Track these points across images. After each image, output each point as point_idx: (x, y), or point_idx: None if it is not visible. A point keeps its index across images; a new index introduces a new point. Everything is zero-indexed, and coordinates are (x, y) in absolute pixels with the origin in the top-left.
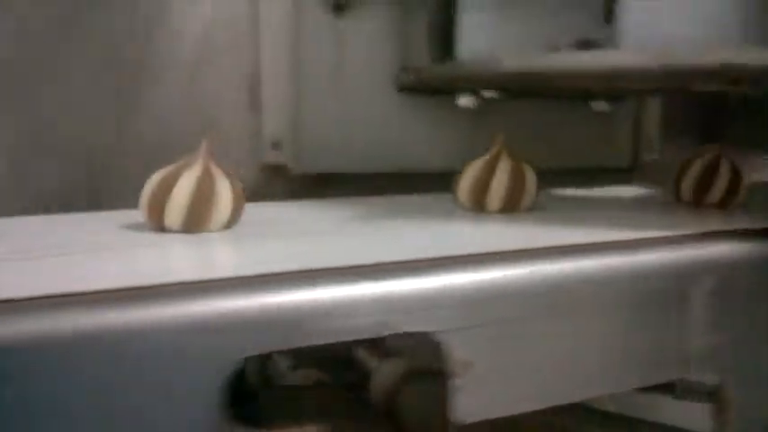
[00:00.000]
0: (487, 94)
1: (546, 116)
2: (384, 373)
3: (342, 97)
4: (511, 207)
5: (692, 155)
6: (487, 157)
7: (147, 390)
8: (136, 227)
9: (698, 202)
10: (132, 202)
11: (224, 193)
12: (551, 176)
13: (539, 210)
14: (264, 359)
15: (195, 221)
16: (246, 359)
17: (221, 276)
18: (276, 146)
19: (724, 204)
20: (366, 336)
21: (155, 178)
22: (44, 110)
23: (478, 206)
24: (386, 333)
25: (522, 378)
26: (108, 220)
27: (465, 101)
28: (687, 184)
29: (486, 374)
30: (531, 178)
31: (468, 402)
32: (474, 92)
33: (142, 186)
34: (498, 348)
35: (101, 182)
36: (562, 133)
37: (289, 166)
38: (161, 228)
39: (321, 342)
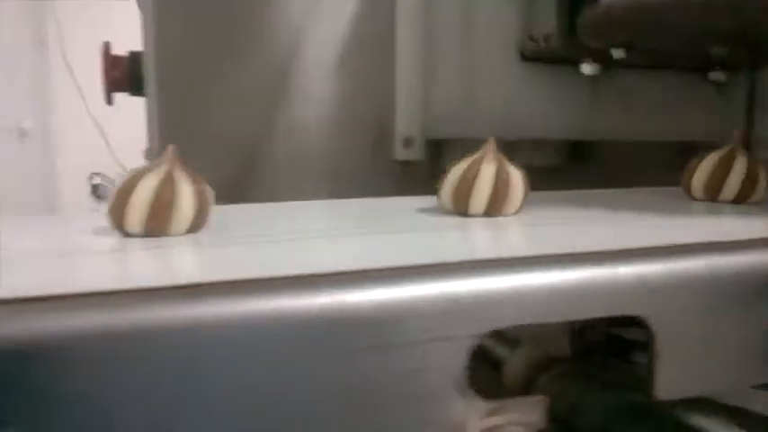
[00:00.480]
0: (616, 53)
1: (663, 88)
2: (517, 362)
3: (469, 75)
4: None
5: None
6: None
7: (402, 363)
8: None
9: (712, 198)
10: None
11: None
12: (664, 149)
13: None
14: None
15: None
16: None
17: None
18: (408, 143)
19: (740, 200)
20: (598, 315)
21: None
22: (212, 109)
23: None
24: (611, 314)
25: (718, 359)
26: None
27: (589, 68)
28: (699, 180)
29: (686, 354)
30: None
31: (669, 380)
32: (597, 59)
33: (289, 183)
34: (701, 331)
35: (252, 176)
36: (677, 106)
37: (419, 161)
38: None
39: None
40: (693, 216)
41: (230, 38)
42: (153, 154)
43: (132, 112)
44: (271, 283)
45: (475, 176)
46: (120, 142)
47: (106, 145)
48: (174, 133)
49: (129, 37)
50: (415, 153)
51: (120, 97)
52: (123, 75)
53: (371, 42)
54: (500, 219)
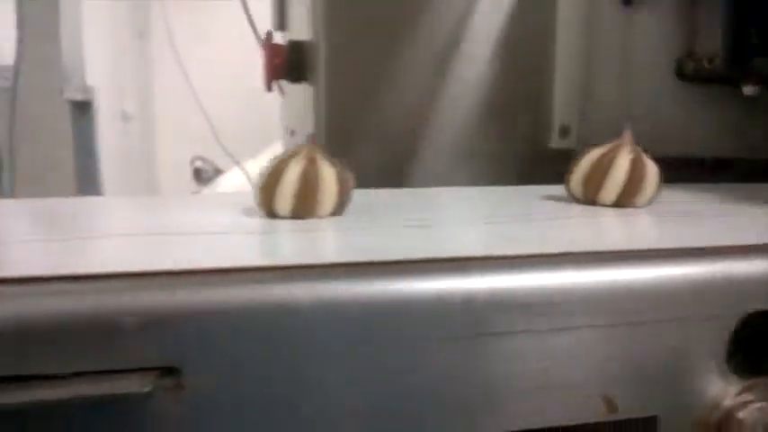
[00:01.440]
0: None
1: None
2: None
3: (625, 83)
4: None
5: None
6: None
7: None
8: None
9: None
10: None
11: None
12: None
13: None
14: None
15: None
16: None
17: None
18: (565, 131)
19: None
20: None
21: None
22: (375, 96)
23: None
24: None
25: None
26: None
27: (752, 89)
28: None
29: None
30: None
31: None
32: (762, 80)
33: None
34: None
35: (411, 162)
36: None
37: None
38: None
39: None
40: None
41: (396, 27)
42: (318, 139)
43: (234, 97)
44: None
45: (609, 165)
46: (222, 127)
47: (210, 129)
48: (340, 119)
49: (232, 23)
50: (571, 142)
51: (218, 82)
52: (283, 63)
53: (528, 31)
54: (631, 209)
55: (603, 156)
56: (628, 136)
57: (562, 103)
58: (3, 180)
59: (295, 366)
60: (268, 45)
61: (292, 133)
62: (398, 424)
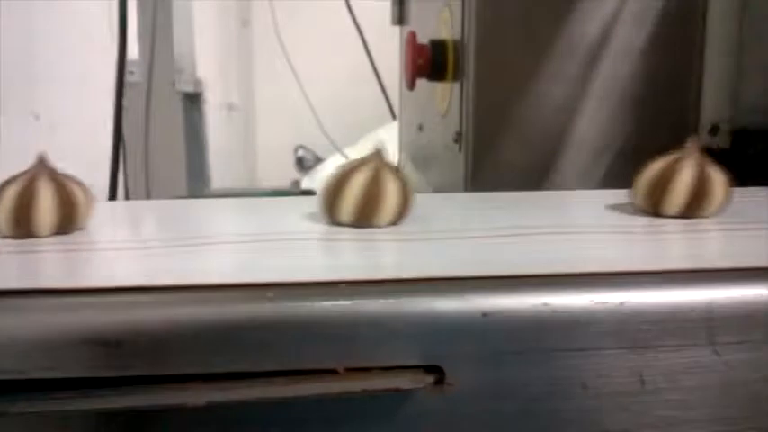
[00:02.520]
0: None
1: None
2: None
3: None
4: None
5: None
6: None
7: None
8: None
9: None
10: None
11: None
12: None
13: None
14: None
15: None
16: None
17: None
18: (714, 130)
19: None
20: None
21: None
22: (521, 96)
23: None
24: None
25: None
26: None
27: None
28: (641, 189)
29: None
30: None
31: None
32: None
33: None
34: None
35: (553, 162)
36: None
37: (723, 149)
38: None
39: None
40: None
41: (545, 26)
42: (463, 138)
43: (335, 85)
44: None
45: (673, 175)
46: (323, 115)
47: (312, 117)
48: (487, 117)
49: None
50: (721, 141)
51: (321, 69)
52: (426, 62)
53: (677, 27)
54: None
55: (668, 166)
56: (694, 146)
57: (712, 101)
58: (128, 173)
59: (553, 365)
60: (413, 45)
61: (420, 128)
62: None
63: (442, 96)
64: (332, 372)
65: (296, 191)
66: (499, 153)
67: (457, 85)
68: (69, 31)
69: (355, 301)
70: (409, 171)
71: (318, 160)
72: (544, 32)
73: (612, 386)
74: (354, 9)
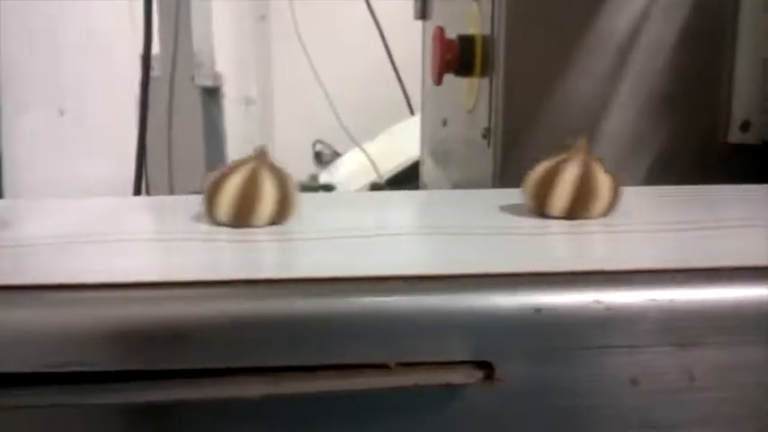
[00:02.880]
0: None
1: None
2: None
3: None
4: None
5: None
6: None
7: None
8: None
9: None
10: None
11: None
12: None
13: None
14: None
15: None
16: None
17: None
18: (745, 126)
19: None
20: None
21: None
22: (551, 92)
23: None
24: None
25: None
26: None
27: None
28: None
29: None
30: None
31: None
32: None
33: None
34: None
35: None
36: None
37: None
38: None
39: None
40: None
41: (576, 21)
42: (492, 134)
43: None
44: None
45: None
46: (341, 109)
47: (330, 111)
48: (516, 114)
49: (353, 5)
50: (752, 137)
51: (338, 64)
52: (454, 57)
53: (709, 22)
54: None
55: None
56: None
57: (743, 97)
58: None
59: (603, 361)
60: (441, 40)
61: (444, 123)
62: None
63: (468, 91)
64: (383, 366)
65: (315, 185)
66: (528, 149)
67: (485, 81)
68: (93, 27)
69: (408, 297)
70: (429, 166)
71: (337, 155)
72: (574, 28)
73: (662, 383)
74: (373, 3)
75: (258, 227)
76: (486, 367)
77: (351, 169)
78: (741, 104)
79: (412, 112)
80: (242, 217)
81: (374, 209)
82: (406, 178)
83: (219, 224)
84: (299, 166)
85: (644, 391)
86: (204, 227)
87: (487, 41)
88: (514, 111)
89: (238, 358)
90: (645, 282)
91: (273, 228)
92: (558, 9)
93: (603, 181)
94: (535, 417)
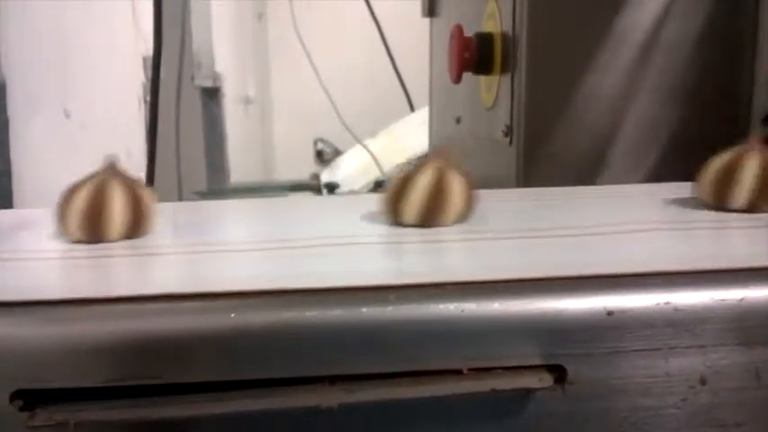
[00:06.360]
0: None
1: None
2: None
3: None
4: None
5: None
6: None
7: None
8: None
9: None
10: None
11: None
12: None
13: None
14: None
15: None
16: None
17: None
18: (766, 120)
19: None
20: None
21: None
22: (573, 89)
23: None
24: None
25: None
26: None
27: None
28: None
29: None
30: None
31: None
32: None
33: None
34: None
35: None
36: None
37: None
38: None
39: None
40: None
41: (598, 19)
42: (514, 132)
43: (353, 77)
44: None
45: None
46: (341, 107)
47: (330, 109)
48: (539, 111)
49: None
50: None
51: (337, 62)
52: (472, 55)
53: (730, 16)
54: None
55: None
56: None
57: (764, 91)
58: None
59: (672, 362)
60: (459, 38)
61: (458, 120)
62: None
63: (487, 89)
64: (457, 372)
65: (316, 184)
66: (550, 146)
67: (506, 78)
68: (97, 29)
69: (480, 302)
70: None
71: (338, 153)
72: (596, 24)
73: (729, 381)
74: (371, 0)
75: (112, 241)
76: (558, 371)
77: (353, 168)
78: (762, 99)
79: (412, 109)
80: (93, 232)
81: None
82: None
83: (74, 241)
84: (300, 165)
85: (711, 390)
86: (57, 244)
87: (507, 39)
88: (537, 108)
89: (307, 368)
90: (712, 282)
91: (129, 242)
92: (579, 6)
93: None
94: (606, 418)
